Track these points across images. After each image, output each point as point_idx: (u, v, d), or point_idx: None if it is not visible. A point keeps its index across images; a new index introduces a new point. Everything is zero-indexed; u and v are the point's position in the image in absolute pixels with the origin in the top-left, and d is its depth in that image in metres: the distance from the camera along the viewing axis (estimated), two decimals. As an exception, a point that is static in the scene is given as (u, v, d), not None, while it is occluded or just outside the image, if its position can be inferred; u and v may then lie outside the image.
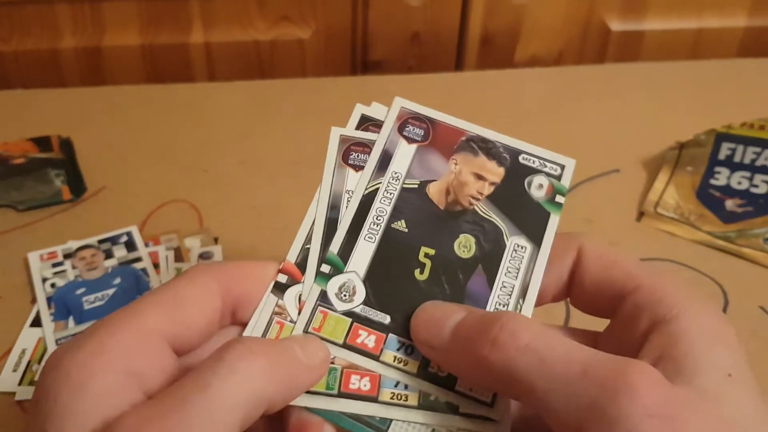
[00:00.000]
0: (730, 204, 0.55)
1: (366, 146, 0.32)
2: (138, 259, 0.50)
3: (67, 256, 0.50)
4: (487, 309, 0.29)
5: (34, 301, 0.47)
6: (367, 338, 0.29)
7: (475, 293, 0.30)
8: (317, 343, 0.28)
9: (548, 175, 0.32)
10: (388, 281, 0.30)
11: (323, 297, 0.29)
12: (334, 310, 0.29)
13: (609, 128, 0.63)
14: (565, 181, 0.32)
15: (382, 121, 0.33)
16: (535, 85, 0.69)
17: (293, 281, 0.29)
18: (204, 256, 0.50)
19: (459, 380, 0.28)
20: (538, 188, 0.32)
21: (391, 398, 0.28)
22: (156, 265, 0.49)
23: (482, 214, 0.31)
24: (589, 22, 0.74)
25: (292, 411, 0.27)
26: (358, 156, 0.32)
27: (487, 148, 0.32)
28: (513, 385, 0.24)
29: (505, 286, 0.30)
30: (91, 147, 0.60)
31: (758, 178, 0.55)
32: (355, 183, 0.32)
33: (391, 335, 0.29)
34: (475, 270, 0.30)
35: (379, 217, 0.31)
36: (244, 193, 0.56)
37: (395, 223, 0.31)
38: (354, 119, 0.33)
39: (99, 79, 0.71)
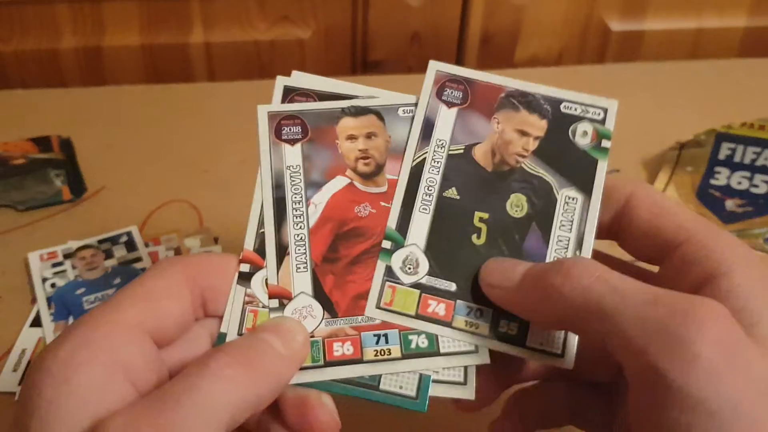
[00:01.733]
0: (730, 204, 0.55)
1: (296, 117, 0.32)
2: (138, 259, 0.50)
3: (67, 256, 0.50)
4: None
5: (34, 301, 0.47)
6: (437, 307, 0.30)
7: (533, 251, 0.31)
8: (293, 324, 0.28)
9: (591, 120, 0.32)
10: (448, 250, 0.30)
11: (389, 272, 0.30)
12: (402, 284, 0.30)
13: (609, 128, 0.63)
14: (609, 125, 0.32)
15: (307, 90, 0.33)
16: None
17: (256, 268, 0.30)
18: (204, 256, 0.50)
19: (530, 332, 0.29)
20: (582, 136, 0.32)
21: (376, 356, 0.28)
22: (156, 265, 0.49)
23: (529, 170, 0.32)
24: (589, 22, 0.74)
25: (286, 389, 0.27)
26: (290, 129, 0.32)
27: (527, 102, 0.33)
28: (584, 313, 0.25)
29: (560, 240, 0.30)
30: (91, 147, 0.60)
31: (758, 178, 0.55)
32: (294, 157, 0.32)
33: (459, 301, 0.30)
34: (530, 228, 0.31)
35: (430, 188, 0.31)
36: (244, 193, 0.56)
37: (446, 191, 0.31)
38: (278, 93, 0.33)
39: (99, 79, 0.71)
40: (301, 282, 0.30)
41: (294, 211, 0.31)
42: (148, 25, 0.70)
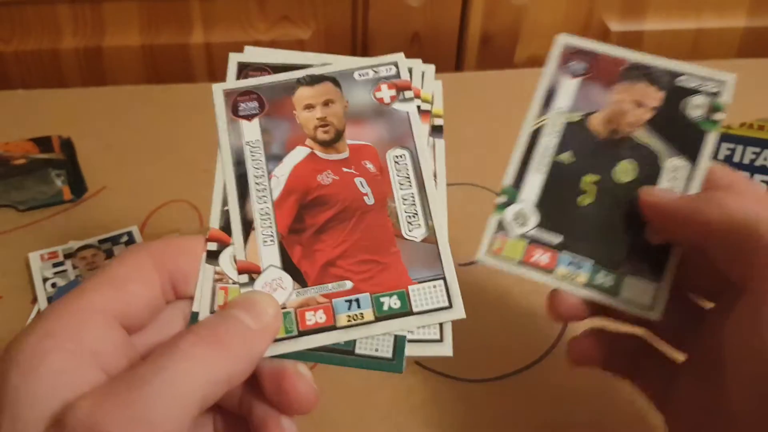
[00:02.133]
0: (729, 204, 0.55)
1: (251, 93, 0.32)
2: (138, 259, 0.50)
3: (67, 256, 0.50)
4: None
5: (34, 301, 0.47)
6: (542, 256, 0.32)
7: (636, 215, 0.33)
8: (263, 298, 0.28)
9: (707, 93, 0.34)
10: (558, 206, 0.33)
11: (500, 225, 0.33)
12: (512, 235, 0.32)
13: (608, 128, 0.63)
14: (726, 98, 0.34)
15: (260, 64, 0.33)
16: (535, 86, 0.69)
17: (223, 245, 0.30)
18: (204, 256, 0.51)
19: (623, 285, 0.32)
20: (695, 108, 0.34)
21: (348, 321, 0.29)
22: (156, 265, 0.49)
23: (638, 141, 0.34)
24: (589, 22, 0.74)
25: (263, 363, 0.28)
26: (247, 105, 0.32)
27: (648, 74, 0.35)
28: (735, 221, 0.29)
29: None
30: (92, 147, 0.60)
31: (757, 178, 0.55)
32: (253, 133, 0.32)
33: (563, 252, 0.32)
34: (635, 193, 0.33)
35: (546, 150, 0.34)
36: (244, 193, 0.56)
37: (560, 155, 0.34)
38: (232, 70, 0.33)
39: (100, 80, 0.71)
40: (268, 255, 0.30)
41: (257, 186, 0.31)
42: (149, 26, 0.70)
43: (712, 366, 0.30)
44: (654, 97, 0.34)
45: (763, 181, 0.55)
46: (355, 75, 0.33)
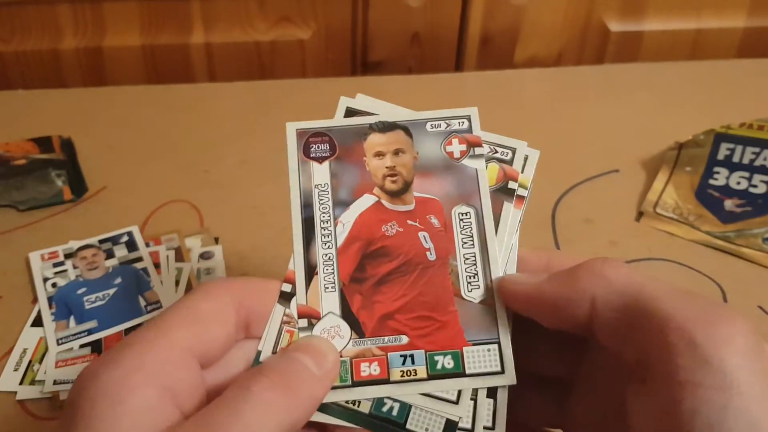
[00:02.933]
0: (728, 204, 0.55)
1: (324, 135, 0.32)
2: (139, 259, 0.50)
3: (68, 255, 0.50)
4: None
5: (35, 300, 0.47)
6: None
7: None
8: (324, 344, 0.28)
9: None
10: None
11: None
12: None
13: (608, 128, 0.63)
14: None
15: (365, 112, 0.33)
16: (535, 86, 0.69)
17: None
18: (205, 256, 0.51)
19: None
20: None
21: (402, 376, 0.28)
22: (157, 265, 0.49)
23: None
24: (589, 22, 0.74)
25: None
26: (318, 147, 0.32)
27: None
28: (625, 296, 0.26)
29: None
30: (92, 147, 0.60)
31: (757, 178, 0.55)
32: (323, 176, 0.31)
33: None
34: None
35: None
36: (244, 192, 0.56)
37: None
38: (340, 112, 0.33)
39: (100, 80, 0.71)
40: (329, 302, 0.30)
41: (322, 230, 0.31)
42: (149, 26, 0.70)
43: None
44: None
45: (762, 181, 0.55)
46: (428, 126, 0.32)
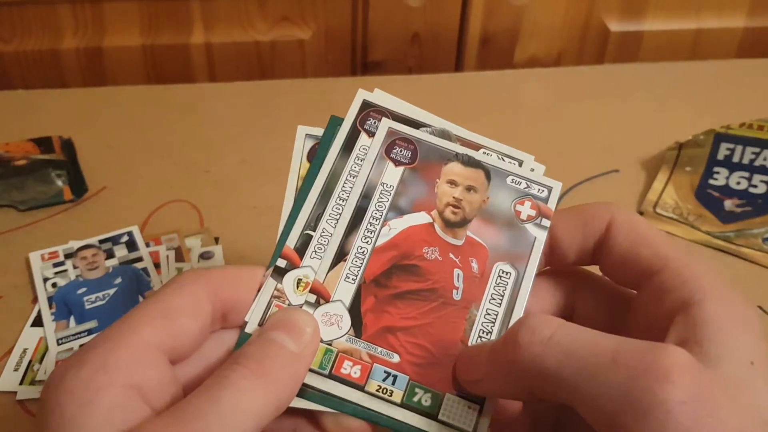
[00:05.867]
0: (728, 204, 0.55)
1: (411, 143, 0.32)
2: (139, 259, 0.50)
3: (68, 255, 0.50)
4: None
5: (35, 300, 0.47)
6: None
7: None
8: (301, 316, 0.28)
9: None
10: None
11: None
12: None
13: (608, 129, 0.63)
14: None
15: (382, 108, 0.33)
16: (535, 86, 0.69)
17: (292, 266, 0.30)
18: (205, 256, 0.51)
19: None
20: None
21: (377, 390, 0.28)
22: (157, 265, 0.49)
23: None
24: (589, 22, 0.74)
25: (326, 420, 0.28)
26: (401, 151, 0.32)
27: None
28: (545, 383, 0.24)
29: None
30: (92, 147, 0.60)
31: (757, 179, 0.55)
32: (393, 178, 0.32)
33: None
34: None
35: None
36: (244, 192, 0.56)
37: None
38: (355, 106, 0.33)
39: (100, 80, 0.71)
40: (343, 291, 0.30)
41: (369, 224, 0.31)
42: (149, 26, 0.70)
43: None
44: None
45: (762, 182, 0.55)
46: (509, 179, 0.32)
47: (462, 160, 0.32)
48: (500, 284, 0.31)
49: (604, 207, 0.30)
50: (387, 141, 0.32)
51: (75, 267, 0.49)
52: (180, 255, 0.50)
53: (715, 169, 0.57)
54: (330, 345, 0.29)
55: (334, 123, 0.33)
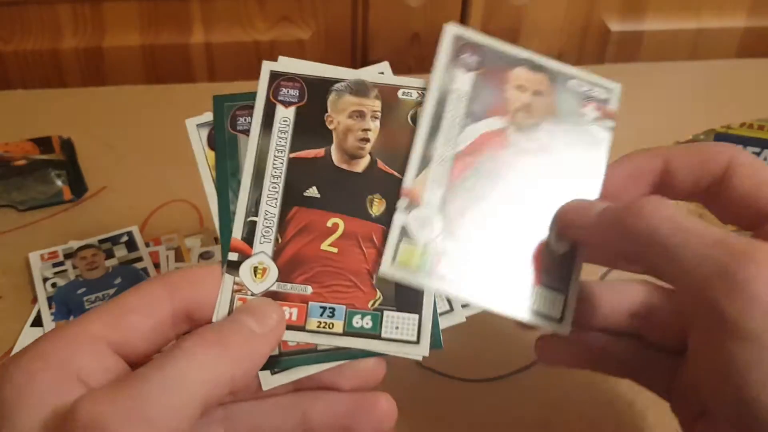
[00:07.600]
0: (728, 204, 0.55)
1: (476, 48, 0.33)
2: (139, 259, 0.50)
3: (67, 255, 0.50)
4: None
5: (35, 300, 0.47)
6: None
7: None
8: (269, 305, 0.29)
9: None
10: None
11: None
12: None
13: (608, 128, 0.63)
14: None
15: (293, 74, 0.35)
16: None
17: (244, 256, 0.30)
18: (204, 256, 0.51)
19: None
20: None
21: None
22: (157, 265, 0.49)
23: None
24: (589, 22, 0.74)
25: (340, 379, 0.30)
26: (470, 57, 0.32)
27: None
28: (649, 249, 0.26)
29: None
30: (92, 147, 0.60)
31: (757, 179, 0.55)
32: (464, 84, 0.32)
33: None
34: None
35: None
36: (244, 193, 0.56)
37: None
38: (264, 79, 0.34)
39: (100, 80, 0.71)
40: (435, 177, 0.31)
41: (447, 132, 0.31)
42: (149, 26, 0.70)
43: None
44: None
45: (762, 181, 0.55)
46: (569, 83, 0.33)
47: (529, 66, 0.33)
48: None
49: (724, 147, 0.31)
50: (454, 48, 0.32)
51: (75, 267, 0.49)
52: (180, 255, 0.50)
53: (715, 169, 0.56)
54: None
55: (220, 102, 0.33)
